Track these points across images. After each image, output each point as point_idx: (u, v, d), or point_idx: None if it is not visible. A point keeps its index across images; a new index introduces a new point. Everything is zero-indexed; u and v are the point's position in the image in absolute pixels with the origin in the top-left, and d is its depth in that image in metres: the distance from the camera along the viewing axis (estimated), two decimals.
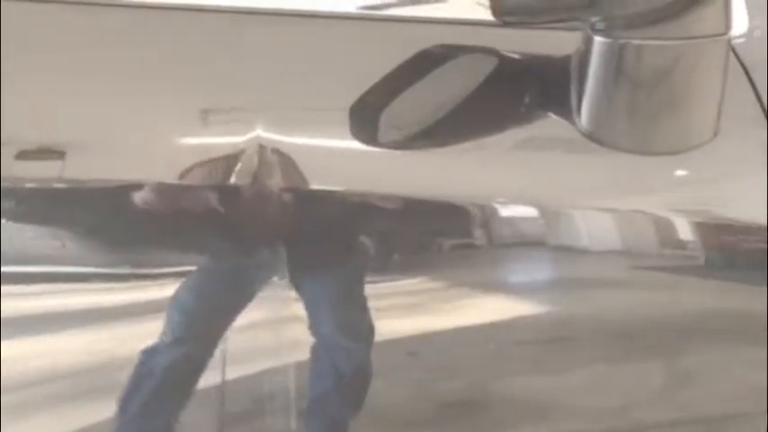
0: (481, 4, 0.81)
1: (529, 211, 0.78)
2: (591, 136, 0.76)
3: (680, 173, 0.82)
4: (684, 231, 0.82)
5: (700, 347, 0.83)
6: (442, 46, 0.78)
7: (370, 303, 0.75)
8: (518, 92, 0.79)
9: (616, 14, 0.69)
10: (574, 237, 0.79)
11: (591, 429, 0.82)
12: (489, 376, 0.78)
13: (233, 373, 0.73)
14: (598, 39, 0.71)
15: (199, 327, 0.73)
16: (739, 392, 0.85)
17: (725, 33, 0.71)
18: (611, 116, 0.75)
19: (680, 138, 0.76)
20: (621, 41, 0.70)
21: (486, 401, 0.79)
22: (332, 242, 0.75)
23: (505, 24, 0.74)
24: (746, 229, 0.83)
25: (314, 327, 0.74)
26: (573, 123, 0.76)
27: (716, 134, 0.75)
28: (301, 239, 0.74)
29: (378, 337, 0.74)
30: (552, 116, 0.79)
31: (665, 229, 0.82)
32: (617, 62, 0.72)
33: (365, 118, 0.75)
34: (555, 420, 0.81)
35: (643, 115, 0.75)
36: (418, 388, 0.77)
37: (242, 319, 0.72)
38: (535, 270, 0.79)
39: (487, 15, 0.78)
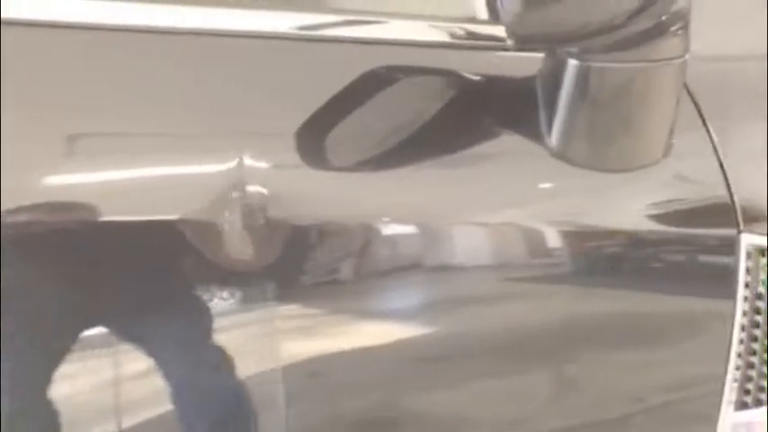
0: (436, 27, 0.81)
1: (409, 230, 0.76)
2: (559, 155, 0.77)
3: (546, 185, 0.83)
4: (553, 240, 0.82)
5: (579, 354, 0.83)
6: (390, 67, 0.77)
7: (268, 327, 0.71)
8: (469, 112, 0.80)
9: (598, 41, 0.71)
10: (451, 254, 0.78)
11: None
12: (391, 394, 0.77)
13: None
14: (572, 62, 0.73)
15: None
16: (622, 395, 0.85)
17: (682, 56, 0.73)
18: (578, 135, 0.77)
19: (635, 156, 0.79)
20: (588, 64, 0.73)
21: (392, 419, 0.78)
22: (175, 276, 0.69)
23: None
24: (609, 234, 0.83)
25: (167, 370, 0.68)
26: (537, 143, 0.78)
27: (667, 153, 0.78)
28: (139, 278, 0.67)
29: (279, 362, 0.71)
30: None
31: (535, 240, 0.81)
32: (585, 83, 0.74)
33: (310, 140, 0.72)
34: None
35: (606, 134, 0.78)
36: (323, 409, 0.74)
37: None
38: (417, 290, 0.77)
39: (436, 36, 0.80)
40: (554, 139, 0.77)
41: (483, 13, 0.86)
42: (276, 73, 0.74)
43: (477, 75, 0.80)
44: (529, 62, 0.80)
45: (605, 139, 0.77)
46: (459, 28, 0.81)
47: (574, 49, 0.72)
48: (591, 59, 0.72)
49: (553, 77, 0.76)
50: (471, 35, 0.83)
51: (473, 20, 0.87)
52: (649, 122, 0.77)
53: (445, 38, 0.81)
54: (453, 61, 0.81)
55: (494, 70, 0.81)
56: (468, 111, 0.79)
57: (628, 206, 0.84)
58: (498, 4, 0.69)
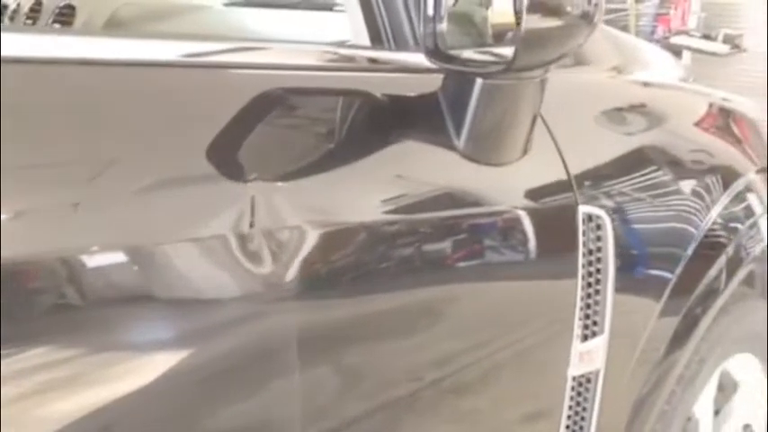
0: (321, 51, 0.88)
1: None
2: (467, 154, 0.94)
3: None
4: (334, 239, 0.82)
5: (354, 348, 0.85)
6: (283, 89, 0.83)
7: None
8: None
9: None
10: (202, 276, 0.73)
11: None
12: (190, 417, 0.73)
13: None
14: (478, 80, 0.91)
15: None
16: (414, 369, 0.92)
17: (542, 76, 0.94)
18: (481, 137, 0.94)
19: (512, 152, 0.98)
20: (489, 82, 0.91)
21: None
22: None
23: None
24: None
25: None
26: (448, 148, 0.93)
27: (527, 151, 0.99)
28: None
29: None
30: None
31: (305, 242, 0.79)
32: (486, 96, 0.92)
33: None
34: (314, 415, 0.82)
35: (496, 135, 0.97)
36: None
37: None
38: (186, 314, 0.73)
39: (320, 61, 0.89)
40: (462, 142, 0.92)
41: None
42: (166, 101, 0.74)
43: (374, 94, 0.89)
44: (420, 82, 0.94)
45: (495, 139, 0.96)
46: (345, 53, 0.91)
47: (480, 71, 0.90)
48: (491, 78, 0.90)
49: (458, 92, 0.92)
50: (350, 59, 0.94)
51: (348, 45, 0.98)
52: (520, 125, 0.97)
53: (333, 62, 0.90)
54: (345, 84, 0.88)
55: (388, 90, 0.91)
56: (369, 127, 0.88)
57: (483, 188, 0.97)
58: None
